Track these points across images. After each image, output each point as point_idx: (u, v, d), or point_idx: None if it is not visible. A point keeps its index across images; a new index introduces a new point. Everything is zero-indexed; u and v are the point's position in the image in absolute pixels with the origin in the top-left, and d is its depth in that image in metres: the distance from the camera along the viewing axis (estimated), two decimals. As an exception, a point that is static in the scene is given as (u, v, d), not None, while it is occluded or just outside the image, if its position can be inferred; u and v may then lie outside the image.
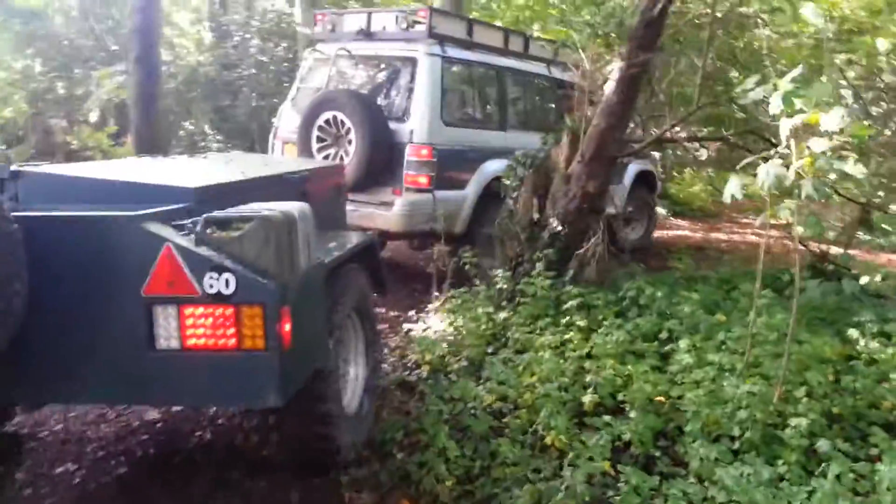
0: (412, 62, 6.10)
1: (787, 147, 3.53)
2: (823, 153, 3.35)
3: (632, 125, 5.76)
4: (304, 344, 2.57)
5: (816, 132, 3.43)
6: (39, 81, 12.71)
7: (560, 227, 5.29)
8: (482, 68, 6.82)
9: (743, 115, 5.32)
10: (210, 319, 2.33)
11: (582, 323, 4.24)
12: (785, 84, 3.52)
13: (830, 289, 4.70)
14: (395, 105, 6.23)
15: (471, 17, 7.06)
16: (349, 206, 4.81)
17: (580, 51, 5.39)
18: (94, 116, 12.84)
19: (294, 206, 2.55)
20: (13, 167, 2.79)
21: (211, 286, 2.31)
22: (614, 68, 5.18)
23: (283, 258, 2.38)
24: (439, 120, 6.05)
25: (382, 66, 6.62)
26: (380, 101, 6.29)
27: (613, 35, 4.82)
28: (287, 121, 6.66)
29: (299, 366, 2.56)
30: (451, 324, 4.78)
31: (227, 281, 2.30)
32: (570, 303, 4.39)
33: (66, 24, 15.07)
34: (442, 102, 6.06)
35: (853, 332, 3.95)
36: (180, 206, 2.56)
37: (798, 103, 3.50)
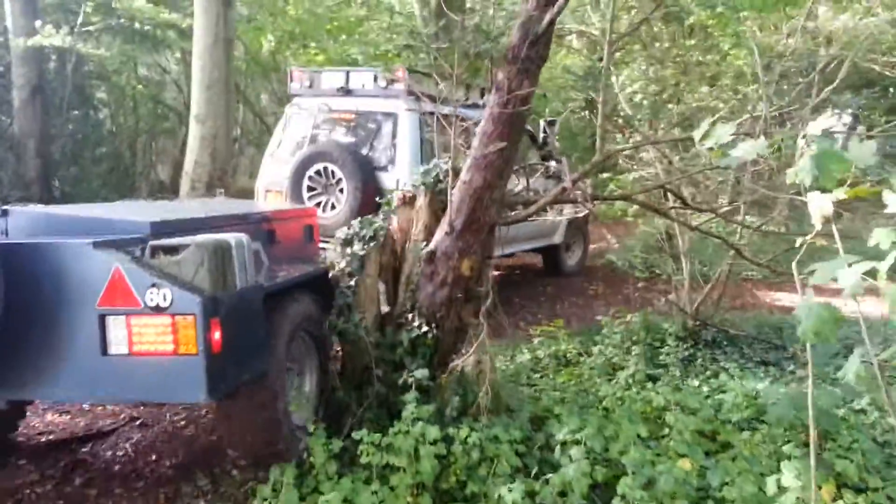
0: (392, 117, 6.80)
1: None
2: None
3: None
4: (237, 351, 2.97)
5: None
6: None
7: (426, 327, 3.69)
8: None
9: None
10: (152, 328, 2.80)
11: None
12: (813, 139, 2.24)
13: (799, 400, 3.58)
14: (379, 156, 6.81)
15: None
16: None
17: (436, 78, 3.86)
18: None
19: (232, 236, 3.07)
20: (3, 207, 3.29)
21: (151, 300, 2.78)
22: (488, 103, 3.70)
23: (216, 277, 2.87)
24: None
25: (363, 120, 7.05)
26: (364, 152, 6.84)
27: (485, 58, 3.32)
28: (269, 171, 7.24)
29: (230, 370, 2.94)
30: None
31: (164, 295, 2.77)
32: (502, 491, 2.76)
33: None
34: (421, 152, 6.61)
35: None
36: (136, 236, 3.05)
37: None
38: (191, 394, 2.84)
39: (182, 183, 9.54)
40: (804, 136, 2.31)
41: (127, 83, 15.96)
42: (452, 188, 3.75)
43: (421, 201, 3.95)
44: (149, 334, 2.78)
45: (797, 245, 2.34)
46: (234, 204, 5.36)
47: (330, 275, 3.93)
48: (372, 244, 3.93)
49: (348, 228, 4.02)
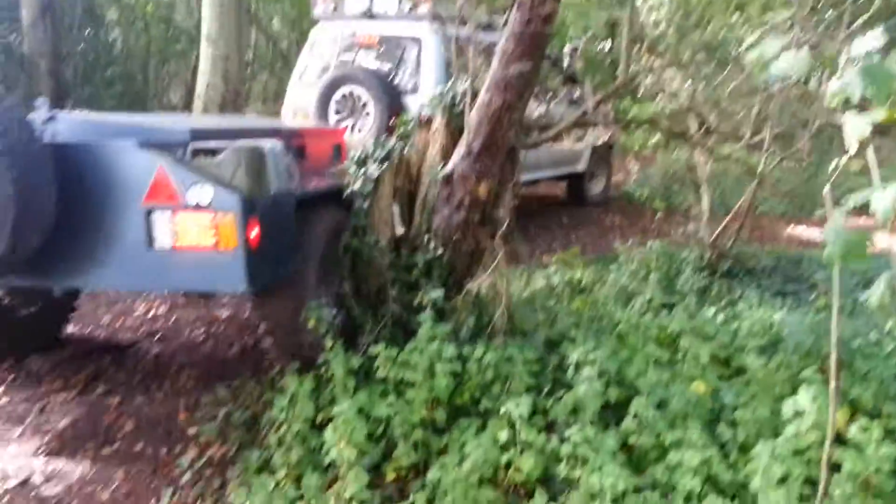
0: (417, 41, 6.86)
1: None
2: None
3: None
4: (272, 249, 3.19)
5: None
6: None
7: (441, 249, 3.68)
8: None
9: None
10: (194, 224, 3.00)
11: (531, 436, 2.69)
12: (859, 57, 2.14)
13: (818, 327, 3.56)
14: (404, 80, 6.90)
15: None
16: None
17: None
18: None
19: (266, 143, 3.26)
20: (49, 112, 3.34)
21: (193, 197, 2.98)
22: (510, 21, 3.58)
23: (253, 180, 3.06)
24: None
25: (387, 44, 7.11)
26: (389, 76, 6.91)
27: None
28: (295, 94, 7.34)
29: (267, 265, 3.17)
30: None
31: (205, 193, 2.97)
32: (510, 405, 2.79)
33: None
34: (446, 76, 6.33)
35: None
36: (179, 140, 3.24)
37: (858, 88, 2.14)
38: (231, 285, 3.09)
39: (194, 106, 9.44)
40: (847, 55, 2.21)
41: (137, 3, 15.65)
42: (471, 110, 3.68)
43: (438, 121, 3.88)
44: (191, 229, 2.99)
45: (831, 169, 2.28)
46: (267, 119, 5.72)
47: (343, 195, 3.91)
48: (385, 165, 3.89)
49: (362, 149, 3.98)
